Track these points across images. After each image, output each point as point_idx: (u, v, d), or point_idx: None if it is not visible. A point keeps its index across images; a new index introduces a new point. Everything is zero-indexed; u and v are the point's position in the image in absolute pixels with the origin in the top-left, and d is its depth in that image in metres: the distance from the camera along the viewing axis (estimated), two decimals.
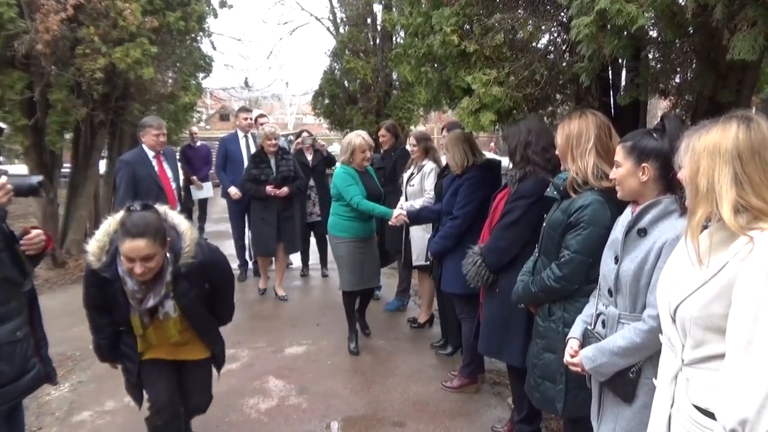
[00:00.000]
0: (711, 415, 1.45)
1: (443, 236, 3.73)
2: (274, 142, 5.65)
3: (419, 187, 4.73)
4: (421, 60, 3.57)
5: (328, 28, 11.20)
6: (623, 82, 3.58)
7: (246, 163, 6.20)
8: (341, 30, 10.42)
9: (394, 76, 9.37)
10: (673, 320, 1.57)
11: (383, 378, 4.14)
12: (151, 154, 5.00)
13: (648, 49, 2.83)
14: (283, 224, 5.79)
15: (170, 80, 7.51)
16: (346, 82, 10.04)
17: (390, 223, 4.31)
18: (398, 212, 4.25)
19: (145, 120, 5.16)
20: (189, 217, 6.04)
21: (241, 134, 6.69)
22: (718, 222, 1.44)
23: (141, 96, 6.90)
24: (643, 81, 2.71)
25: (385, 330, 5.10)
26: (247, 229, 6.57)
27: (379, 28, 9.79)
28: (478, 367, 3.91)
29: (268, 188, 5.58)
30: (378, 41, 9.76)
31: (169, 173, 5.13)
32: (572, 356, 2.10)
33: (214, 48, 8.57)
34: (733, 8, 2.00)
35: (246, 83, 14.50)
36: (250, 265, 6.80)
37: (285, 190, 5.66)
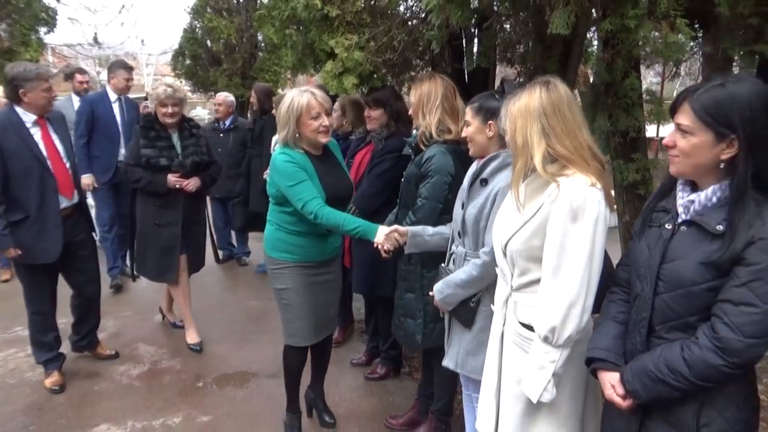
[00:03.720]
0: (531, 328, 1.79)
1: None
2: (172, 110, 3.72)
3: None
4: (285, 22, 3.63)
5: None
6: (476, 50, 3.93)
7: (122, 136, 4.92)
8: None
9: (260, 37, 9.18)
10: (504, 254, 1.89)
11: (257, 335, 4.25)
12: (30, 118, 3.25)
13: (492, 20, 3.14)
14: (190, 231, 3.97)
15: (5, 34, 6.74)
16: (208, 41, 9.65)
17: (377, 243, 2.51)
18: (391, 230, 2.50)
19: (30, 70, 3.34)
20: None
21: (113, 95, 4.95)
22: (534, 172, 1.75)
23: None
24: (484, 50, 3.03)
25: (258, 291, 5.18)
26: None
27: None
28: (349, 318, 4.19)
29: (172, 178, 3.76)
30: (242, 0, 9.46)
31: (60, 146, 3.39)
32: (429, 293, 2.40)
33: (58, 0, 7.77)
34: None
35: (95, 40, 13.26)
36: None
37: (196, 181, 3.87)
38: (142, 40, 22.45)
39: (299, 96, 2.61)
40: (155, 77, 28.80)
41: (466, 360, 2.30)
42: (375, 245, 2.51)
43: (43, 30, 7.59)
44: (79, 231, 3.49)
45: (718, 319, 1.38)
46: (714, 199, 1.43)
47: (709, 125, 1.37)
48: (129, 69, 5.16)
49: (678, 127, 1.44)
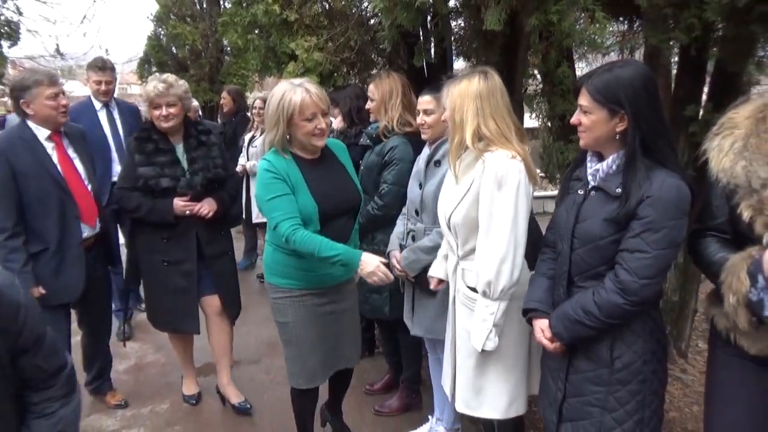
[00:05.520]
0: (476, 291, 2.05)
1: None
2: (167, 112, 2.85)
3: (262, 148, 5.01)
4: (247, 28, 3.84)
5: None
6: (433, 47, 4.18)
7: (115, 151, 4.03)
8: None
9: (225, 42, 9.27)
10: (449, 227, 2.14)
11: (237, 327, 4.38)
12: (43, 133, 2.78)
13: (437, 19, 3.38)
14: (214, 267, 3.08)
15: None
16: (174, 48, 9.73)
17: (367, 276, 2.22)
18: (380, 263, 2.23)
19: (27, 77, 2.75)
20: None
21: (98, 103, 4.06)
22: (468, 149, 2.02)
23: None
24: (423, 49, 3.29)
25: None
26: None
27: None
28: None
29: (179, 203, 2.89)
30: (205, 5, 9.56)
31: (80, 166, 2.91)
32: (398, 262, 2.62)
33: (20, 13, 7.79)
34: None
35: (57, 51, 13.17)
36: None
37: (211, 203, 2.98)
38: (107, 50, 22.14)
39: (291, 92, 2.17)
40: (121, 86, 28.52)
41: (434, 325, 2.56)
42: (357, 274, 2.22)
43: (6, 44, 7.61)
44: (98, 266, 3.01)
45: (619, 266, 1.65)
46: (614, 167, 1.71)
47: (602, 104, 1.64)
48: (99, 69, 4.02)
49: (580, 107, 1.71)
